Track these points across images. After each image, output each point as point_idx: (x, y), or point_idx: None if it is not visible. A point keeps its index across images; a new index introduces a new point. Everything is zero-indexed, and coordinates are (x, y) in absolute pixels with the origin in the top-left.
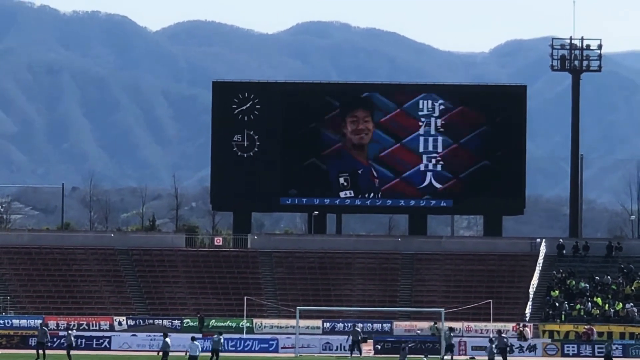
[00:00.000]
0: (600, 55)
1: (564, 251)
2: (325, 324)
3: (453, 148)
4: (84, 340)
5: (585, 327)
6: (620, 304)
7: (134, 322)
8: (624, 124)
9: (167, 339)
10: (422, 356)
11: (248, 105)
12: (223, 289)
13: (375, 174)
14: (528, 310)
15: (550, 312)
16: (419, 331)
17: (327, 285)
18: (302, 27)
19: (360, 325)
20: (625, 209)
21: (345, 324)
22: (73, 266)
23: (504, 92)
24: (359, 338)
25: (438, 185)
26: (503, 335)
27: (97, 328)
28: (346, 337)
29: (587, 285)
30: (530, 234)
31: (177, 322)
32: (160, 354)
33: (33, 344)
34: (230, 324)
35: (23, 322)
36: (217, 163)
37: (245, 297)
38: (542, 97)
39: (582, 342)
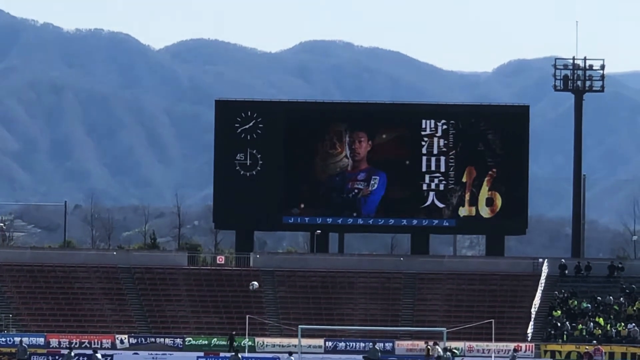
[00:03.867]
0: (603, 76)
1: (566, 271)
2: (327, 343)
3: (455, 168)
4: (85, 359)
5: (587, 347)
6: (622, 324)
7: (135, 340)
8: (627, 145)
9: (98, 354)
10: None
11: (251, 124)
12: (225, 307)
13: (377, 193)
14: (530, 330)
15: (552, 332)
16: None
17: (329, 304)
18: (305, 46)
19: (379, 344)
20: (627, 229)
21: (348, 343)
22: (75, 284)
23: (506, 112)
24: (377, 357)
25: (440, 205)
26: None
27: (99, 346)
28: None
29: (589, 305)
30: (533, 254)
31: (179, 341)
32: None
33: None
34: None
35: (25, 339)
36: (219, 182)
37: (247, 316)
38: (544, 117)
39: None
